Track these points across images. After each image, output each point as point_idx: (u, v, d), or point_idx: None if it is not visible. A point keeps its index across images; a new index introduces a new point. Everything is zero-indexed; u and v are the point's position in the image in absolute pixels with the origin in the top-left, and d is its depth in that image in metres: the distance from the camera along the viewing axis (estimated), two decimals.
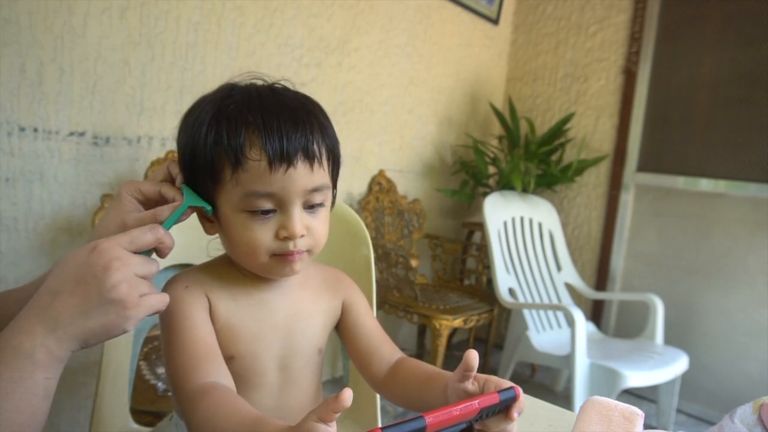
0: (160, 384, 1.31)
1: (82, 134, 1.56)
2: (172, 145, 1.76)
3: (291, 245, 0.61)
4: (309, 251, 0.63)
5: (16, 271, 1.51)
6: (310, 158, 0.59)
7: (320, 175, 0.61)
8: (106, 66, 1.57)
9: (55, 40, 1.47)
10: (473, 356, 0.55)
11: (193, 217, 0.95)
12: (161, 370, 1.37)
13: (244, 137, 0.58)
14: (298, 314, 0.69)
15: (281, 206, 0.60)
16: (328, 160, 0.63)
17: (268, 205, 0.59)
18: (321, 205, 0.63)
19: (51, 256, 1.56)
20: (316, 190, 0.61)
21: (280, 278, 0.66)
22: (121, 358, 0.87)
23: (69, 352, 0.51)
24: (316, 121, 0.61)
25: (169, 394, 1.27)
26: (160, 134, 1.73)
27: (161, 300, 0.55)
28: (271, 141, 0.57)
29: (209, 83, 1.80)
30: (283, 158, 0.58)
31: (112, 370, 0.86)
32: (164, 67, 1.70)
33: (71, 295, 0.51)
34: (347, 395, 0.41)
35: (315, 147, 0.60)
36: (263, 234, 0.60)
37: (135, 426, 0.90)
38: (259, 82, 0.64)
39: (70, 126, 1.53)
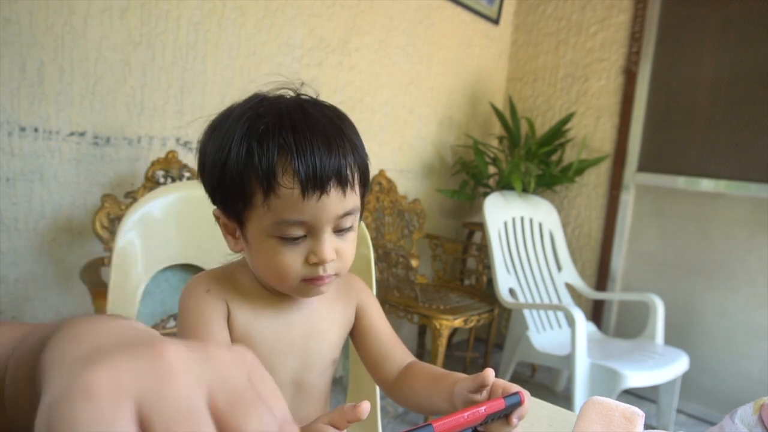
0: None
1: (82, 134, 1.56)
2: (172, 145, 1.76)
3: (321, 270, 0.60)
4: (336, 274, 0.62)
5: (16, 271, 1.51)
6: (342, 184, 0.58)
7: (352, 199, 0.60)
8: (106, 66, 1.57)
9: (56, 40, 1.47)
10: (490, 375, 0.55)
11: (192, 218, 0.95)
12: None
13: (277, 163, 0.56)
14: (315, 330, 0.68)
15: (312, 232, 0.59)
16: (360, 181, 0.61)
17: (299, 232, 0.58)
18: (350, 228, 0.62)
19: (51, 256, 1.56)
20: (347, 214, 0.60)
21: (304, 297, 0.66)
22: None
23: None
24: (348, 142, 0.59)
25: None
26: (161, 134, 1.73)
27: None
28: (304, 167, 0.55)
29: (210, 83, 1.81)
30: (316, 185, 0.56)
31: None
32: (165, 67, 1.70)
33: None
34: (365, 408, 0.41)
35: (348, 171, 0.58)
36: (293, 259, 0.59)
37: None
38: (288, 94, 0.62)
39: (71, 126, 1.54)
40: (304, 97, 0.63)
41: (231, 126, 0.59)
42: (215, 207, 0.64)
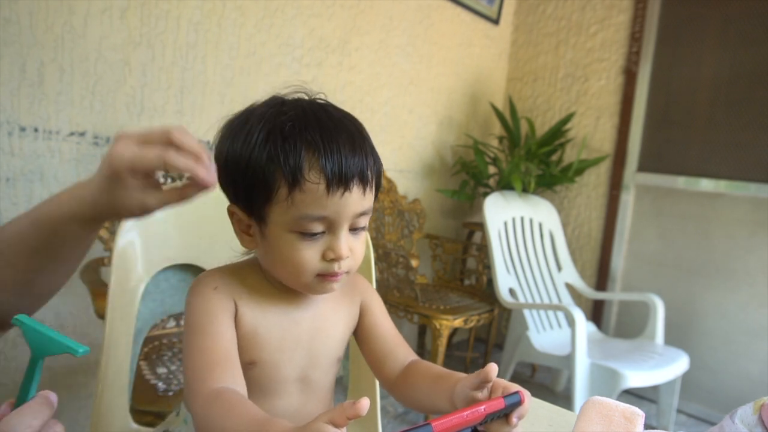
0: (160, 384, 1.31)
1: (82, 134, 1.56)
2: None
3: (336, 267, 0.61)
4: (348, 272, 0.63)
5: None
6: (364, 183, 0.60)
7: (369, 199, 0.62)
8: (106, 66, 1.57)
9: (56, 40, 1.47)
10: (493, 370, 0.55)
11: (192, 219, 0.95)
12: (161, 370, 1.37)
13: (304, 157, 0.57)
14: (321, 326, 0.69)
15: (330, 228, 0.60)
16: (376, 185, 0.63)
17: (319, 228, 0.59)
18: (363, 228, 0.64)
19: None
20: (364, 213, 0.62)
21: (314, 294, 0.67)
22: (121, 358, 0.87)
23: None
24: (368, 145, 0.62)
25: (170, 394, 1.27)
26: None
27: None
28: (330, 163, 0.57)
29: (210, 83, 1.81)
30: (341, 182, 0.57)
31: (112, 370, 0.86)
32: (165, 67, 1.70)
33: None
34: (364, 404, 0.41)
35: (369, 172, 0.60)
36: (311, 255, 0.60)
37: (135, 426, 0.90)
38: (305, 97, 0.64)
39: (71, 126, 1.54)
40: (320, 101, 0.64)
41: (254, 124, 0.60)
42: (230, 204, 0.64)
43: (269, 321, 0.65)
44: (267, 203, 0.59)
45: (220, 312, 0.62)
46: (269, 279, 0.67)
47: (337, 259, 0.60)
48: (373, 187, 0.62)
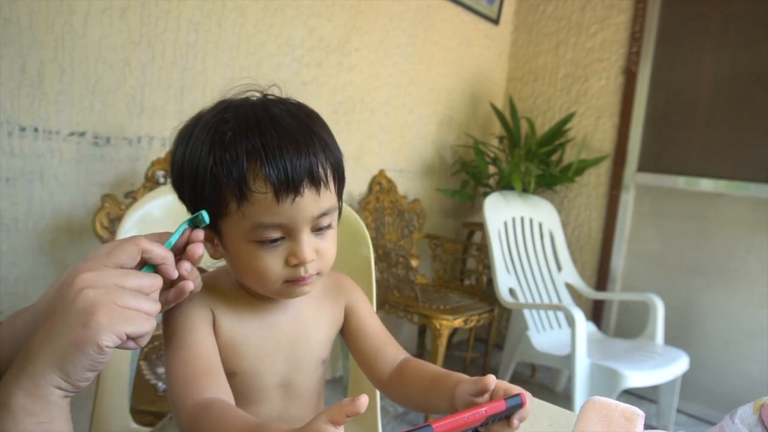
0: (160, 384, 1.31)
1: (82, 134, 1.56)
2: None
3: (302, 271, 0.59)
4: (318, 273, 0.62)
5: (16, 271, 1.51)
6: (316, 183, 0.57)
7: (327, 197, 0.59)
8: (106, 66, 1.57)
9: (56, 40, 1.47)
10: (492, 381, 0.55)
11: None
12: (161, 370, 1.37)
13: (247, 168, 0.55)
14: (302, 330, 0.68)
15: (289, 234, 0.59)
16: (334, 179, 0.61)
17: (276, 234, 0.58)
18: (329, 227, 0.62)
19: (51, 256, 1.56)
20: (323, 214, 0.59)
21: (287, 299, 0.66)
22: (121, 358, 0.87)
23: (56, 390, 0.45)
24: (318, 141, 0.59)
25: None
26: (161, 134, 1.73)
27: (149, 323, 0.49)
28: (275, 171, 0.55)
29: (209, 83, 1.81)
30: (289, 188, 0.55)
31: (112, 370, 0.86)
32: (165, 67, 1.70)
33: (42, 326, 0.46)
34: (363, 401, 0.41)
35: (320, 170, 0.58)
36: (273, 262, 0.59)
37: (135, 426, 0.90)
38: (254, 95, 0.62)
39: (71, 126, 1.54)
40: (270, 97, 0.62)
41: (198, 134, 0.58)
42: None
43: (246, 329, 0.64)
44: (220, 216, 0.58)
45: (198, 322, 0.61)
46: (244, 286, 0.65)
47: (300, 264, 0.59)
48: (330, 184, 0.60)
